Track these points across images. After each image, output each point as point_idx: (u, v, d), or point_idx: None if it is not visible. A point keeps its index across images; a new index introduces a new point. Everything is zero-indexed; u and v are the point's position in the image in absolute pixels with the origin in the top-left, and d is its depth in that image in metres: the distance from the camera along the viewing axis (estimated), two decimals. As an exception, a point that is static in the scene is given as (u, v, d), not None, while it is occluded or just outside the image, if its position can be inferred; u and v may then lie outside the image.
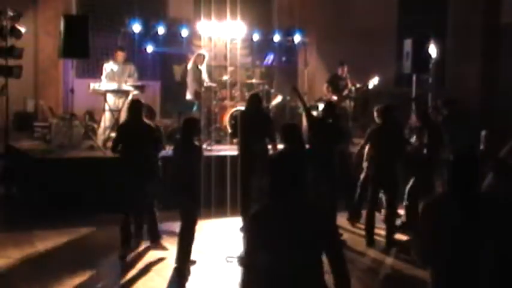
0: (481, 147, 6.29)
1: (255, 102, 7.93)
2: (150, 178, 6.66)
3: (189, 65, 10.53)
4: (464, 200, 3.19)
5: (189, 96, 10.53)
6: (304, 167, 3.15)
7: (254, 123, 7.72)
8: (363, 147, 7.59)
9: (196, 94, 10.32)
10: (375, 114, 7.55)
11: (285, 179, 2.99)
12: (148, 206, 6.86)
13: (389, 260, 6.78)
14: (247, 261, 3.11)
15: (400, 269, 6.48)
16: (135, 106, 6.83)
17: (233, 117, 10.44)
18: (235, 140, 8.95)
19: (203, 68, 10.50)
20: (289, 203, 2.97)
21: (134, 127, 6.70)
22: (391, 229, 7.29)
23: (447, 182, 3.31)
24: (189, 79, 10.49)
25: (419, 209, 3.45)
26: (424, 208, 3.33)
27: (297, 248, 2.89)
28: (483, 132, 6.34)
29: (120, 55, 10.09)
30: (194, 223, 6.19)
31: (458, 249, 3.15)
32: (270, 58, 12.04)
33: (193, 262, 6.29)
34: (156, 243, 6.90)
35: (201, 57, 10.47)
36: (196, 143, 6.47)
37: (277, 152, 6.77)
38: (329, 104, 7.91)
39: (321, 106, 10.90)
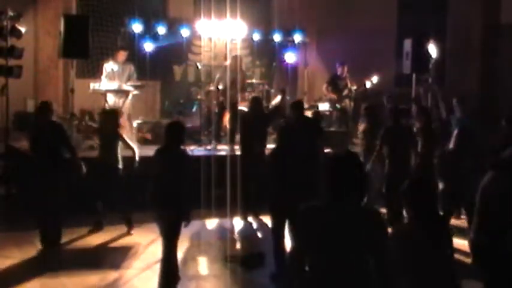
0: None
1: (255, 105, 8.37)
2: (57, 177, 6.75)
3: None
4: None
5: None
6: (363, 170, 3.12)
7: (254, 126, 8.09)
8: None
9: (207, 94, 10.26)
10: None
11: (346, 181, 2.93)
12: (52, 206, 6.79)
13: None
14: (293, 255, 3.09)
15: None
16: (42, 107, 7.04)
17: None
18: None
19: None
20: (347, 205, 2.93)
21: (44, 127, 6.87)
22: None
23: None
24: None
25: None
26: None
27: (347, 250, 2.89)
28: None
29: (122, 55, 10.08)
30: (176, 238, 5.48)
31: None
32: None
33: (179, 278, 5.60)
34: (53, 246, 6.71)
35: (235, 59, 10.16)
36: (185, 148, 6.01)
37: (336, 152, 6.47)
38: (297, 103, 7.95)
39: (321, 106, 10.95)
